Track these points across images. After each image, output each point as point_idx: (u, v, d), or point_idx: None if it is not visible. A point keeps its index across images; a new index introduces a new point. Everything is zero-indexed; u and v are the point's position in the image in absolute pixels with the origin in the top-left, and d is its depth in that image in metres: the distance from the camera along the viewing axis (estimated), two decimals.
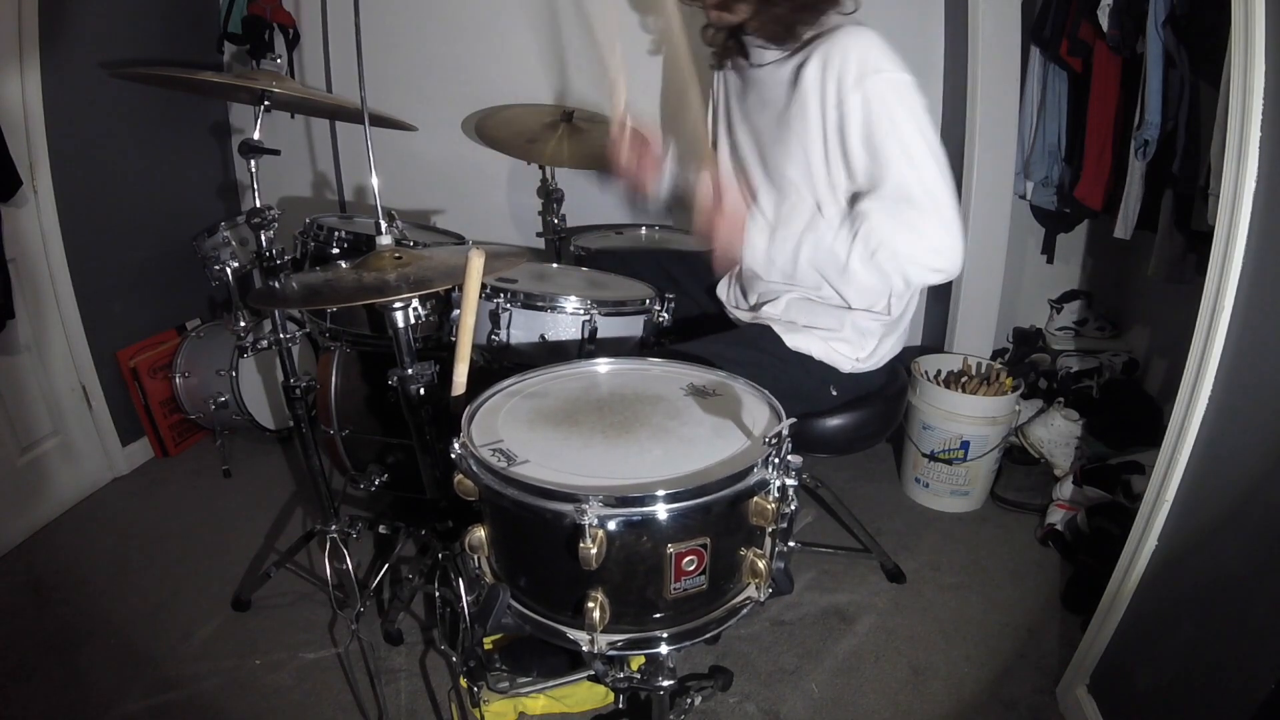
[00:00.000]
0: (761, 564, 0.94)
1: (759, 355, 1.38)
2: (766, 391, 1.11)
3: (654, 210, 1.69)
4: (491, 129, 2.20)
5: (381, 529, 1.80)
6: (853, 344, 1.43)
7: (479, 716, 1.36)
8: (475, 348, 1.34)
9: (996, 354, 2.46)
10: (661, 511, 0.86)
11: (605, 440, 1.00)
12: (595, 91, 2.34)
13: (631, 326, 1.55)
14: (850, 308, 1.42)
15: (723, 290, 1.65)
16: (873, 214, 1.24)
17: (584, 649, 0.92)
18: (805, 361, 1.42)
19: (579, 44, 2.40)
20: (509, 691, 1.37)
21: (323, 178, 2.67)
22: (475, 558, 1.03)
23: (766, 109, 1.38)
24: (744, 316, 1.57)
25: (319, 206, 2.66)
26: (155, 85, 1.99)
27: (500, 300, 1.49)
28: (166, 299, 2.49)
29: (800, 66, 1.27)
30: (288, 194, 2.71)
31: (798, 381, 1.40)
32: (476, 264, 1.16)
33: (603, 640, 0.91)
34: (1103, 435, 2.16)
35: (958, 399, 2.05)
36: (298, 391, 1.58)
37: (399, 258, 1.27)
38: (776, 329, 1.42)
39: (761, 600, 0.97)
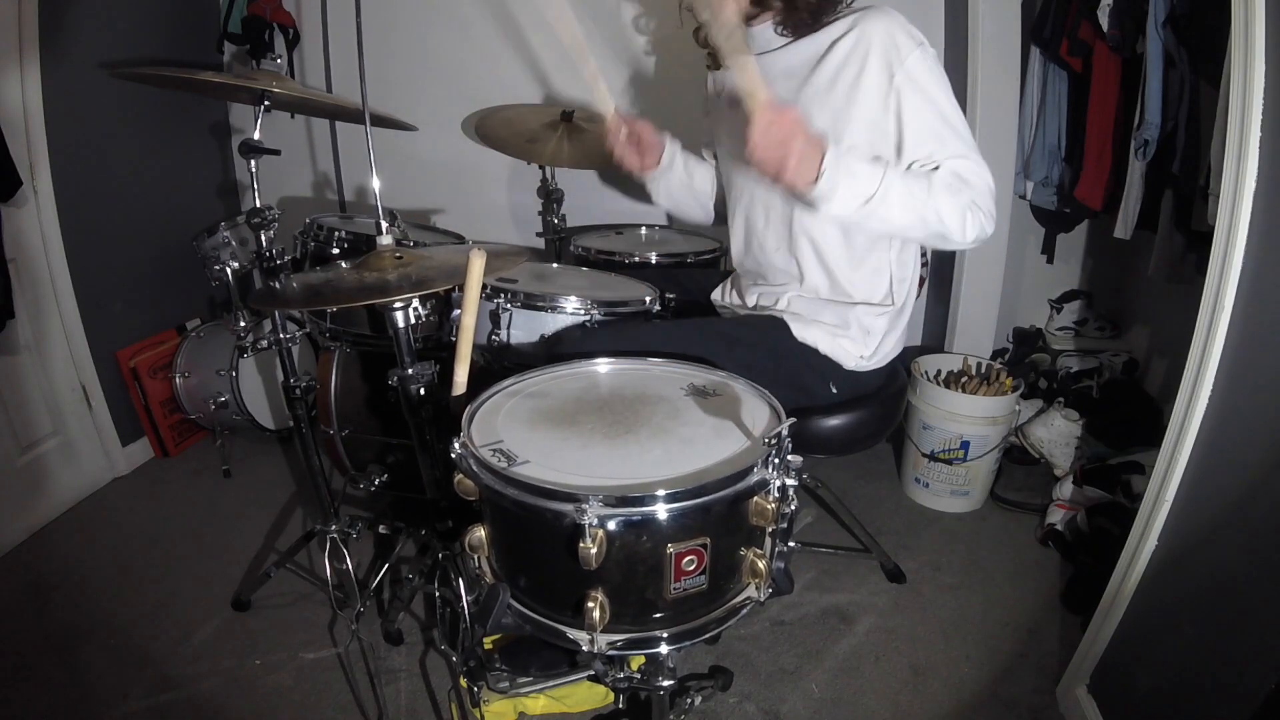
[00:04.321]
0: (761, 564, 0.94)
1: (762, 339, 1.38)
2: (767, 391, 1.11)
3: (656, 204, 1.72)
4: (491, 129, 2.20)
5: (381, 529, 1.80)
6: (858, 341, 1.43)
7: (479, 716, 1.36)
8: (475, 348, 1.34)
9: (996, 354, 2.46)
10: (661, 511, 0.86)
11: (605, 440, 1.00)
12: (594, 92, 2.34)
13: None
14: (854, 302, 1.41)
15: (718, 295, 1.65)
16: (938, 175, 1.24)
17: (584, 649, 0.92)
18: (809, 354, 1.41)
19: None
20: (509, 691, 1.38)
21: (323, 178, 2.67)
22: (475, 557, 1.03)
23: (777, 94, 1.35)
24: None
25: (319, 206, 2.66)
26: (155, 85, 1.99)
27: (500, 300, 1.49)
28: (166, 299, 2.49)
29: (830, 46, 1.26)
30: (288, 194, 2.71)
31: (797, 373, 1.39)
32: (478, 264, 1.16)
33: (603, 640, 0.91)
34: (1103, 435, 2.16)
35: (958, 399, 2.05)
36: (298, 391, 1.58)
37: (399, 258, 1.27)
38: (786, 319, 1.41)
39: (761, 600, 0.97)
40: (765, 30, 1.33)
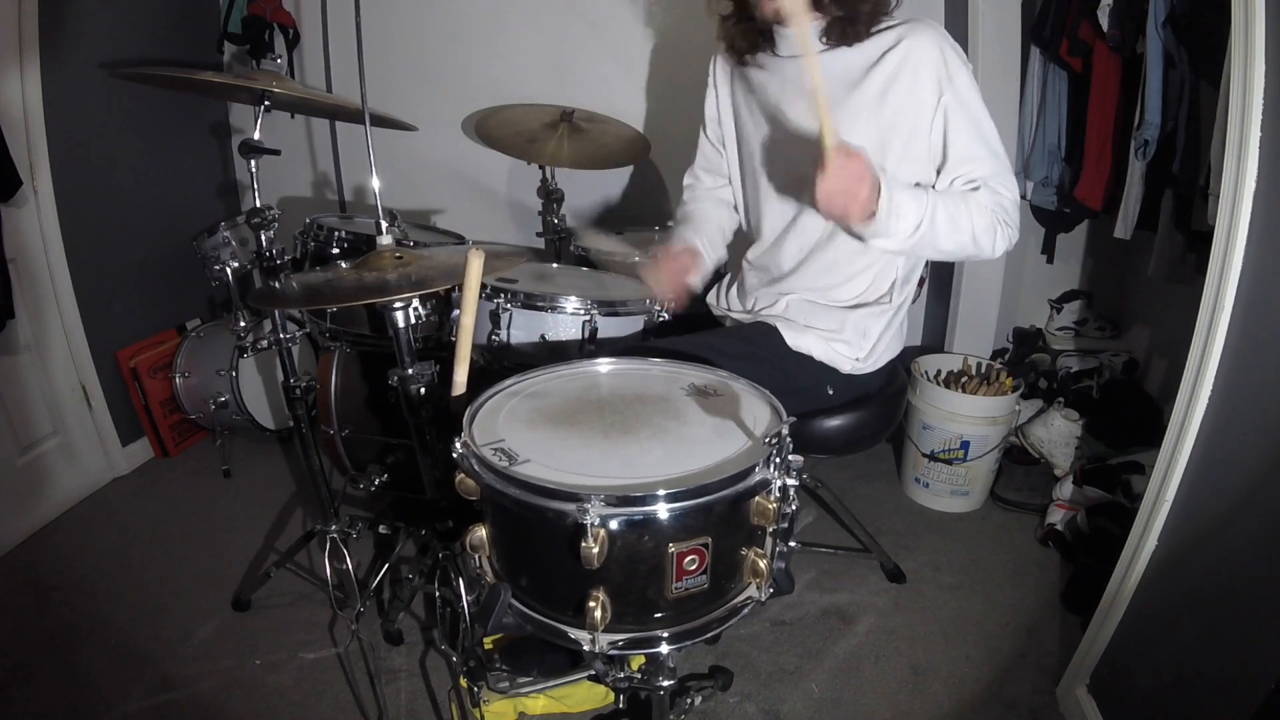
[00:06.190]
0: (763, 564, 0.94)
1: (756, 350, 1.38)
2: (768, 391, 1.11)
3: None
4: (491, 129, 2.21)
5: (381, 529, 1.80)
6: (852, 344, 1.43)
7: (479, 716, 1.36)
8: (475, 348, 1.34)
9: (996, 354, 2.46)
10: (663, 511, 0.86)
11: (606, 440, 1.00)
12: (595, 92, 2.34)
13: (631, 326, 1.56)
14: (851, 305, 1.41)
15: (714, 297, 1.64)
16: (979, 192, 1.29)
17: (585, 648, 0.92)
18: (804, 361, 1.42)
19: (579, 44, 2.40)
20: (509, 691, 1.38)
21: (323, 178, 2.67)
22: (476, 557, 1.03)
23: (806, 98, 1.33)
24: (742, 320, 1.56)
25: (319, 206, 2.66)
26: (155, 85, 1.99)
27: (500, 300, 1.49)
28: (166, 299, 2.49)
29: (880, 56, 1.26)
30: (288, 194, 2.71)
31: (794, 379, 1.39)
32: (476, 265, 1.16)
33: (604, 640, 0.91)
34: (1103, 435, 2.16)
35: (958, 399, 2.05)
36: (298, 391, 1.58)
37: (399, 257, 1.27)
38: (780, 327, 1.42)
39: (762, 600, 0.97)
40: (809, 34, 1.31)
